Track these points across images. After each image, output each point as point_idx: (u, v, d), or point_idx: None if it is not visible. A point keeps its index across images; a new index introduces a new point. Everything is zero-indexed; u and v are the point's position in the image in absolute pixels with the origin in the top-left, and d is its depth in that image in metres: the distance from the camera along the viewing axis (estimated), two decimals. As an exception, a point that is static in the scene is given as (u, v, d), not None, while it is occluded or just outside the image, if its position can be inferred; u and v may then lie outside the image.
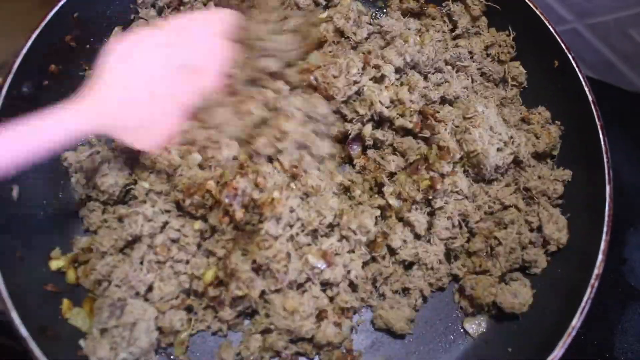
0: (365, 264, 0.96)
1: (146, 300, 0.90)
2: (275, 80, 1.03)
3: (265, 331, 0.92)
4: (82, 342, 0.84)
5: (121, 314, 0.84)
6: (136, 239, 0.92)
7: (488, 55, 1.17)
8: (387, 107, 1.03)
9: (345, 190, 1.03)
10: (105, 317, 0.84)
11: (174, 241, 0.92)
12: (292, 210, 0.91)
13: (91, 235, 0.98)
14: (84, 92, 0.85)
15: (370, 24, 1.16)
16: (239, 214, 0.88)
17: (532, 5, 1.07)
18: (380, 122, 1.06)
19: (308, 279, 0.90)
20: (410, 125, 1.02)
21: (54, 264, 0.93)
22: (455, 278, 1.02)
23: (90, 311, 0.89)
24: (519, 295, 0.93)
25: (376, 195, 1.02)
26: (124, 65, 0.90)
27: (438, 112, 1.03)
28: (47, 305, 0.88)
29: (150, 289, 0.90)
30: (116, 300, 0.85)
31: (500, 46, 1.17)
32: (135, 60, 0.92)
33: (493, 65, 1.16)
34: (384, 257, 0.98)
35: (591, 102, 0.98)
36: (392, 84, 1.05)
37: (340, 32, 1.12)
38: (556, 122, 1.09)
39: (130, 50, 0.92)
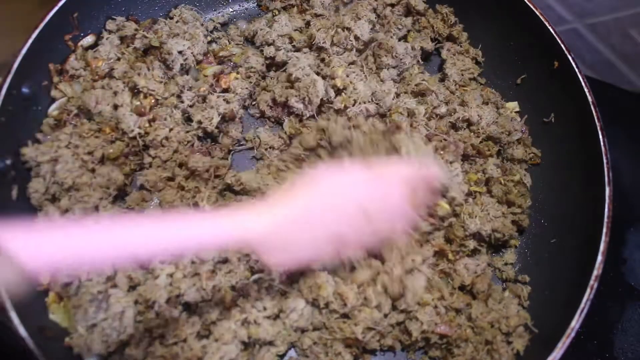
0: None
1: (115, 286, 0.88)
2: None
3: None
4: (68, 340, 0.83)
5: (108, 306, 0.84)
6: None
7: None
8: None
9: None
10: (91, 313, 0.83)
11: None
12: None
13: None
14: (259, 203, 0.80)
15: None
16: None
17: (531, 6, 1.07)
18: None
19: None
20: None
21: None
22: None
23: (68, 307, 0.86)
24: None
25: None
26: (312, 194, 0.83)
27: None
28: (46, 305, 0.87)
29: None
30: (97, 294, 0.85)
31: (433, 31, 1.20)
32: (323, 191, 0.84)
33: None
34: None
35: (591, 103, 0.98)
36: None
37: None
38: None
39: (326, 182, 0.85)
